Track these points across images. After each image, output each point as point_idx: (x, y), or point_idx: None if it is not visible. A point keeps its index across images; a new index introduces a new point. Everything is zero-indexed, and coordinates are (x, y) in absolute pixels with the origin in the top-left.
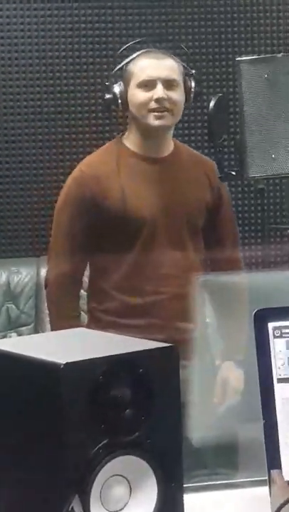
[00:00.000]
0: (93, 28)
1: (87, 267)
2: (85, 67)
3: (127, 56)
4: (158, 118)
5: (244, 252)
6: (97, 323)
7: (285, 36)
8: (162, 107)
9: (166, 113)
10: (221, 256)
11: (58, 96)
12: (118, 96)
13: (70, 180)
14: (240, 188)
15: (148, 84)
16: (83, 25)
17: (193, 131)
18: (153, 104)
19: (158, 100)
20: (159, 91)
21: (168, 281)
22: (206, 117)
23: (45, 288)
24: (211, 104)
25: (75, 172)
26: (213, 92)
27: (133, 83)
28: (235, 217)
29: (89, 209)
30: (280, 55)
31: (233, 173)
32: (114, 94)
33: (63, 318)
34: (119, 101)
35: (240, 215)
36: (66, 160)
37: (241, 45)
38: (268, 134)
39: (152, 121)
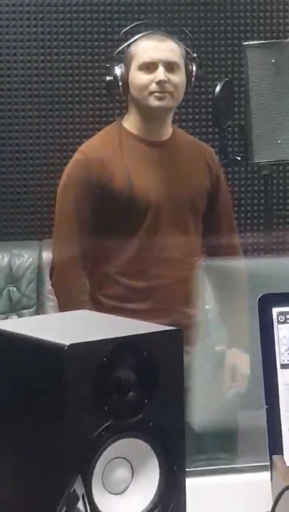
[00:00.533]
0: (92, 11)
1: None
2: (90, 50)
3: (128, 39)
4: (159, 99)
5: (248, 238)
6: (100, 308)
7: None
8: (163, 89)
9: (166, 94)
10: (219, 242)
11: (58, 79)
12: (119, 78)
13: (72, 163)
14: (244, 174)
15: (149, 67)
16: (82, 8)
17: (197, 117)
18: (154, 87)
19: (159, 83)
20: (161, 73)
21: (172, 265)
22: (210, 102)
23: (51, 275)
24: (217, 89)
25: (78, 155)
26: (219, 77)
27: (134, 65)
28: (232, 205)
29: (94, 191)
30: (287, 40)
31: (238, 158)
32: (115, 76)
33: (73, 304)
34: (120, 83)
35: (243, 201)
36: (69, 143)
37: (247, 30)
38: (273, 120)
39: (153, 102)
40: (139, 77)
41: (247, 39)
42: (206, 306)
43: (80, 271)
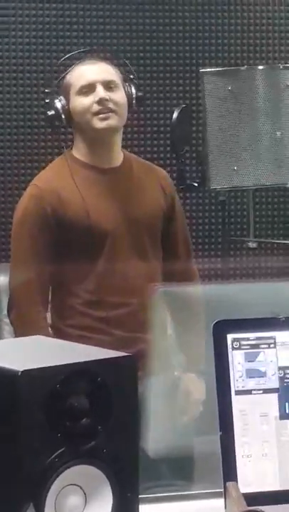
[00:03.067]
0: (30, 35)
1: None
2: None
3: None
4: (103, 119)
5: (205, 264)
6: (66, 338)
7: (249, 50)
8: (105, 107)
9: (110, 114)
10: (177, 267)
11: (21, 103)
12: (61, 111)
13: (26, 197)
14: (201, 200)
15: (88, 89)
16: (20, 40)
17: (156, 142)
18: (96, 107)
19: (100, 101)
20: (100, 92)
21: (134, 292)
22: (168, 128)
23: (9, 310)
24: (174, 115)
25: (31, 189)
26: (177, 103)
27: (73, 92)
28: (187, 228)
29: (50, 224)
30: (243, 68)
31: (195, 184)
32: (56, 109)
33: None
34: (63, 116)
35: (201, 226)
36: (27, 167)
37: (205, 57)
38: (230, 146)
39: (97, 123)
40: (79, 102)
41: (204, 66)
42: (169, 331)
43: (39, 307)
